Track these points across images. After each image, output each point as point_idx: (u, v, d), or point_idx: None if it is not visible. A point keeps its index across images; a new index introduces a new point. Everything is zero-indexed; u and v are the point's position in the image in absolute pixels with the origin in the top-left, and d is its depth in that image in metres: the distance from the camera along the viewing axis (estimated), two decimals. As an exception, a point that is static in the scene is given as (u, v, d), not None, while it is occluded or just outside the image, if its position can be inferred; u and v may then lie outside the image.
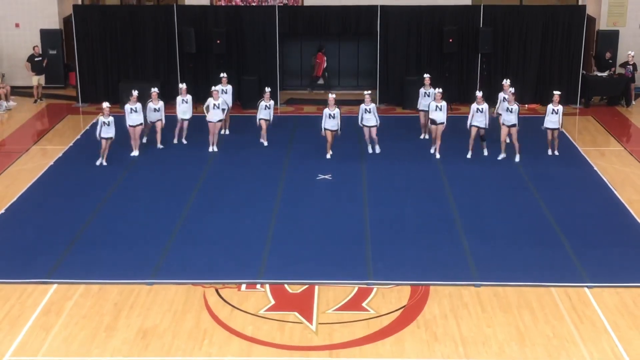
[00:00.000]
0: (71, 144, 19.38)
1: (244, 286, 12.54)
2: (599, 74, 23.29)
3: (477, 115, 17.90)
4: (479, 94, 17.99)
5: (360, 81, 24.60)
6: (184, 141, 19.01)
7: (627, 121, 21.73)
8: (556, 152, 18.42)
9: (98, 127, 17.51)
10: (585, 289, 12.43)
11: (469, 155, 18.03)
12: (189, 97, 18.98)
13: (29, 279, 12.66)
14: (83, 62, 23.04)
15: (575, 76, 22.88)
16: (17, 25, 24.47)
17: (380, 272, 12.90)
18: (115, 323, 11.55)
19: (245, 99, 22.08)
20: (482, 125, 17.93)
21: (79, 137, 19.97)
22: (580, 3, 24.12)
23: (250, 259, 13.35)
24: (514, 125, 17.80)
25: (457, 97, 22.80)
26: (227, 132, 19.65)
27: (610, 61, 23.39)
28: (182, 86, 19.12)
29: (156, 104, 18.63)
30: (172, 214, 15.09)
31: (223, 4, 24.16)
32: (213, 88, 18.81)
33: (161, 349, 10.96)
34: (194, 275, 12.81)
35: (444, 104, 18.00)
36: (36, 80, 23.44)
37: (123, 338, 11.19)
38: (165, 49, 22.94)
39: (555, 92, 18.36)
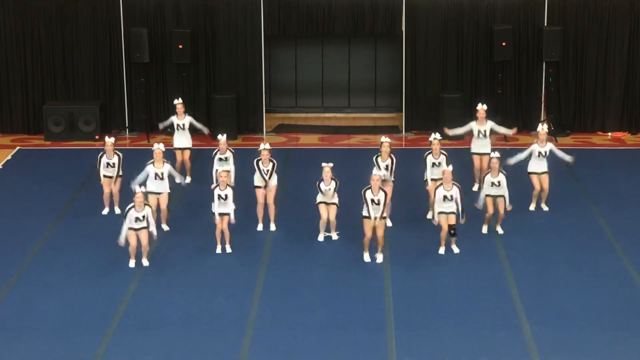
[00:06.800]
0: (-25, 191, 19.52)
1: (215, 389, 12.54)
2: None
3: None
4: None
5: (379, 100, 24.73)
6: None
7: None
8: (544, 207, 18.10)
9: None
10: (697, 391, 12.44)
11: (532, 207, 18.12)
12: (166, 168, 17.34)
13: None
14: (-7, 76, 23.28)
15: (677, 94, 23.12)
16: None
17: (408, 368, 12.87)
18: None
19: (218, 124, 22.15)
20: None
21: (-14, 180, 20.12)
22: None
23: (224, 350, 13.29)
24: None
25: (514, 121, 22.88)
26: (189, 179, 19.30)
27: None
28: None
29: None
30: (116, 289, 15.08)
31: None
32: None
33: None
34: (145, 374, 12.76)
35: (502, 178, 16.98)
36: None
37: None
38: (106, 58, 23.12)
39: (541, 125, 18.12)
